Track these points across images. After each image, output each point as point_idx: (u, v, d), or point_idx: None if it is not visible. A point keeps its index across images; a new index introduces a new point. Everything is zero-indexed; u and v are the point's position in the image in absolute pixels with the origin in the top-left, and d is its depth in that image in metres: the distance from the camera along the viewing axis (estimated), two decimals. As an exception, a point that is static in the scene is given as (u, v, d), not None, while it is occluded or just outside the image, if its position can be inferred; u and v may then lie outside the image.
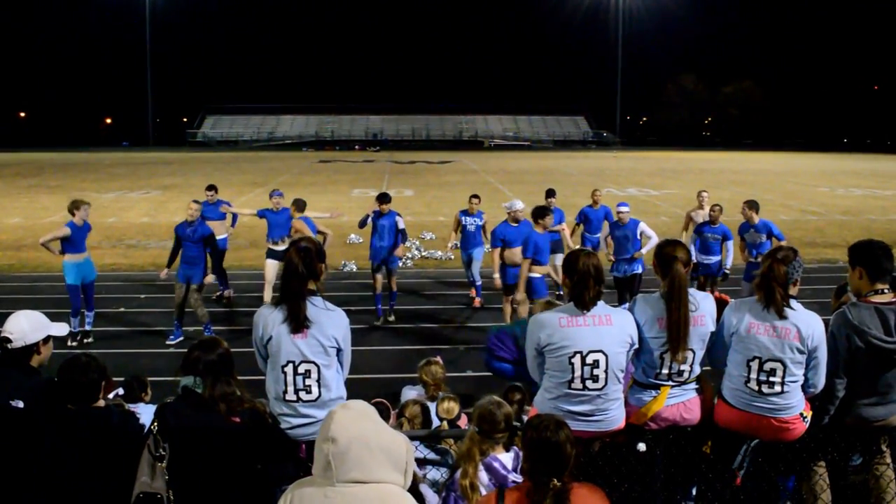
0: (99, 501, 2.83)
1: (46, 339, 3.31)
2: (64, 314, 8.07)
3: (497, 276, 8.24)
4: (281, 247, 9.21)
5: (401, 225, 9.33)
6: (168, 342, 8.32)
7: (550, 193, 10.41)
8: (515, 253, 8.43)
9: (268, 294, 9.33)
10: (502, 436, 3.15)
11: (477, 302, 10.09)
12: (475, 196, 10.45)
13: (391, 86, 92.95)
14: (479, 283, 10.12)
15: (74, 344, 8.15)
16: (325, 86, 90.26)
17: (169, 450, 2.81)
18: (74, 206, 8.14)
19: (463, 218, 10.19)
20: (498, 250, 8.28)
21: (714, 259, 9.22)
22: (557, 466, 2.43)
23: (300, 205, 9.31)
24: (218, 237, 9.43)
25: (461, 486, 2.97)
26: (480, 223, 10.19)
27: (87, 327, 8.41)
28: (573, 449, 2.48)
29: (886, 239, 3.78)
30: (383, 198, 9.46)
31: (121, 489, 2.84)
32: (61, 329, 3.46)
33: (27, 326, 3.24)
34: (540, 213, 7.84)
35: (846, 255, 3.73)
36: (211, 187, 10.41)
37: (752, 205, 8.63)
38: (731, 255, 9.15)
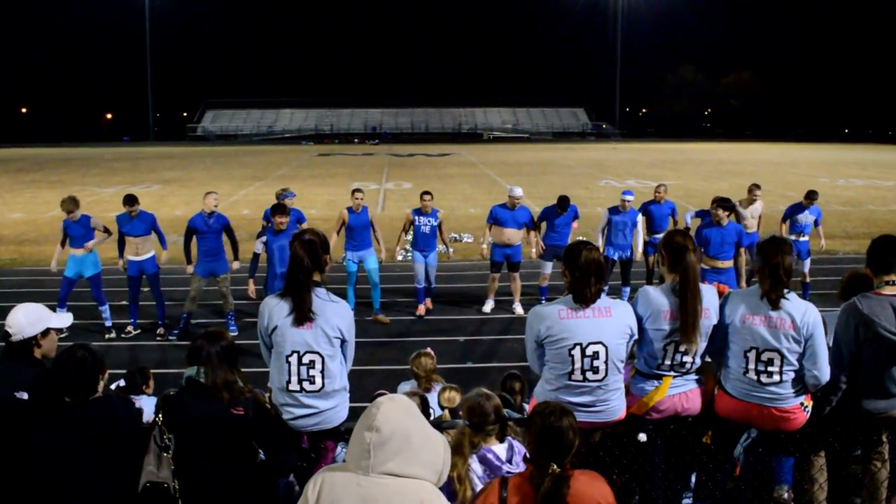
0: (101, 492, 2.84)
1: (46, 332, 3.31)
2: (69, 308, 8.22)
3: (485, 245, 9.43)
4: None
5: None
6: (170, 336, 8.37)
7: (564, 205, 9.44)
8: (505, 233, 9.15)
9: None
10: (493, 427, 3.16)
11: (421, 309, 9.30)
12: (427, 193, 9.30)
13: (390, 79, 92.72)
14: (433, 285, 9.45)
15: (64, 334, 8.19)
16: (324, 80, 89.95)
17: (174, 440, 2.84)
18: (61, 205, 8.33)
19: (416, 217, 9.16)
20: (489, 225, 9.39)
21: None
22: (559, 452, 2.46)
23: None
24: (145, 256, 8.43)
25: (449, 477, 2.99)
26: (435, 223, 9.16)
27: (107, 323, 8.44)
28: (576, 437, 2.51)
29: (887, 230, 3.79)
30: (279, 209, 7.76)
31: (123, 479, 2.87)
32: (63, 321, 3.45)
33: (24, 320, 3.25)
34: (725, 205, 8.01)
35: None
36: (130, 199, 8.36)
37: (816, 195, 9.74)
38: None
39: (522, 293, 9.52)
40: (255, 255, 7.95)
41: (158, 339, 8.36)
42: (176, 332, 8.41)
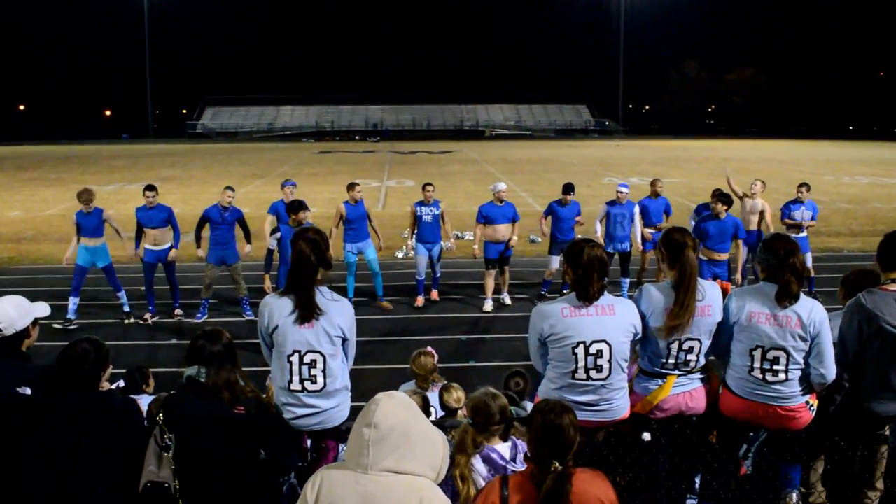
0: (102, 487, 2.82)
1: (34, 322, 3.30)
2: (83, 296, 8.84)
3: (477, 246, 9.46)
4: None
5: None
6: (196, 320, 8.85)
7: (568, 189, 9.62)
8: (498, 230, 9.29)
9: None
10: (498, 427, 3.13)
11: (419, 301, 9.60)
12: (429, 184, 9.69)
13: (391, 76, 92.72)
14: (437, 275, 9.79)
15: (72, 327, 8.49)
16: (325, 76, 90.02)
17: (175, 440, 2.81)
18: (77, 197, 8.73)
19: (419, 208, 9.54)
20: (480, 225, 9.38)
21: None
22: (560, 450, 2.45)
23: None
24: (163, 246, 8.85)
25: (452, 476, 2.96)
26: (438, 212, 9.55)
27: (126, 308, 8.91)
28: (577, 434, 2.49)
29: (893, 227, 3.73)
30: (296, 206, 7.97)
31: (122, 476, 2.85)
32: (43, 309, 3.41)
33: (14, 313, 3.20)
34: (724, 199, 8.31)
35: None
36: (148, 187, 9.05)
37: (809, 187, 10.10)
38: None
39: (528, 286, 9.72)
40: (269, 251, 8.21)
41: (178, 316, 8.97)
42: (199, 316, 8.91)
